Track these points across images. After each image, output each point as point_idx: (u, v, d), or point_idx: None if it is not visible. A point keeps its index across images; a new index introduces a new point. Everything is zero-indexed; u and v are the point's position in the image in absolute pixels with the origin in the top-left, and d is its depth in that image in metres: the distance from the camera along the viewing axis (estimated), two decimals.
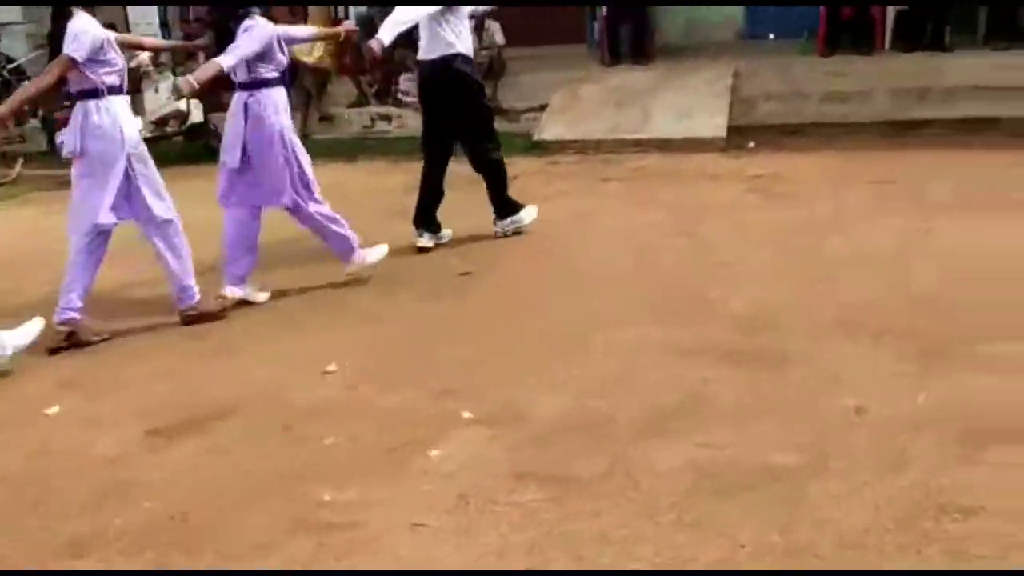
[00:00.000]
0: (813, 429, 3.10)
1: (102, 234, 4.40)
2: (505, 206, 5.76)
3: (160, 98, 9.13)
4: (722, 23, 10.61)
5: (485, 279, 5.05)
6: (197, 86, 4.53)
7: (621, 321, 4.19)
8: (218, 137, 9.58)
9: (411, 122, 9.78)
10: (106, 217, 4.33)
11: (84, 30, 4.20)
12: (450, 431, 3.28)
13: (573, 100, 9.14)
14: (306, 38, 6.04)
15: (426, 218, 5.63)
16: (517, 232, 5.79)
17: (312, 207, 4.86)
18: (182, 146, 9.35)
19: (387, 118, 9.92)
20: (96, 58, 4.25)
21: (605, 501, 2.74)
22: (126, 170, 4.36)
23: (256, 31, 4.62)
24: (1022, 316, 3.90)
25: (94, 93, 4.29)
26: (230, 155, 4.72)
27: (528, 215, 5.82)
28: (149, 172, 4.46)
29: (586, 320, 4.25)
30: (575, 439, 3.16)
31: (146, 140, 8.62)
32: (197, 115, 9.33)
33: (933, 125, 8.27)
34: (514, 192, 5.93)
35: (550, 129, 8.76)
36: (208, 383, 3.87)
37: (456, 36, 5.38)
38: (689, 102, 8.73)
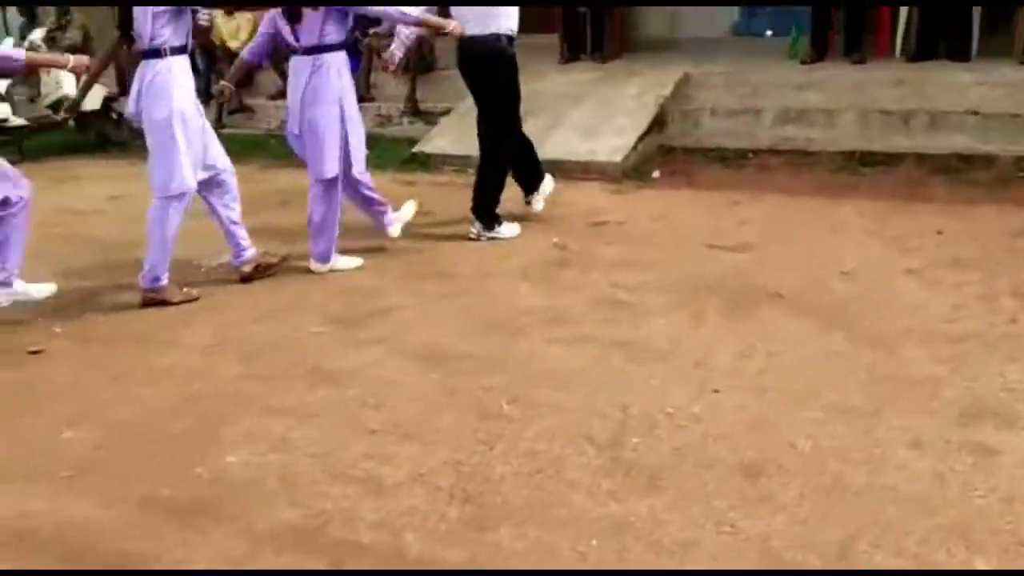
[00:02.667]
0: None
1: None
2: (486, 214, 5.33)
3: (51, 82, 8.50)
4: (713, 16, 8.78)
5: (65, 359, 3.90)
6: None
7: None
8: (120, 126, 9.02)
9: None
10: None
11: None
12: None
13: None
14: None
15: (530, 182, 5.55)
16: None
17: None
18: (70, 135, 8.69)
19: None
20: None
21: None
22: None
23: None
24: None
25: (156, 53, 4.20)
26: (291, 121, 4.71)
27: (510, 230, 5.38)
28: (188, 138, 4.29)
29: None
30: None
31: (32, 128, 7.98)
32: (93, 102, 8.63)
33: (903, 161, 6.37)
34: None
35: (437, 140, 7.42)
36: None
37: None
38: (605, 115, 7.16)
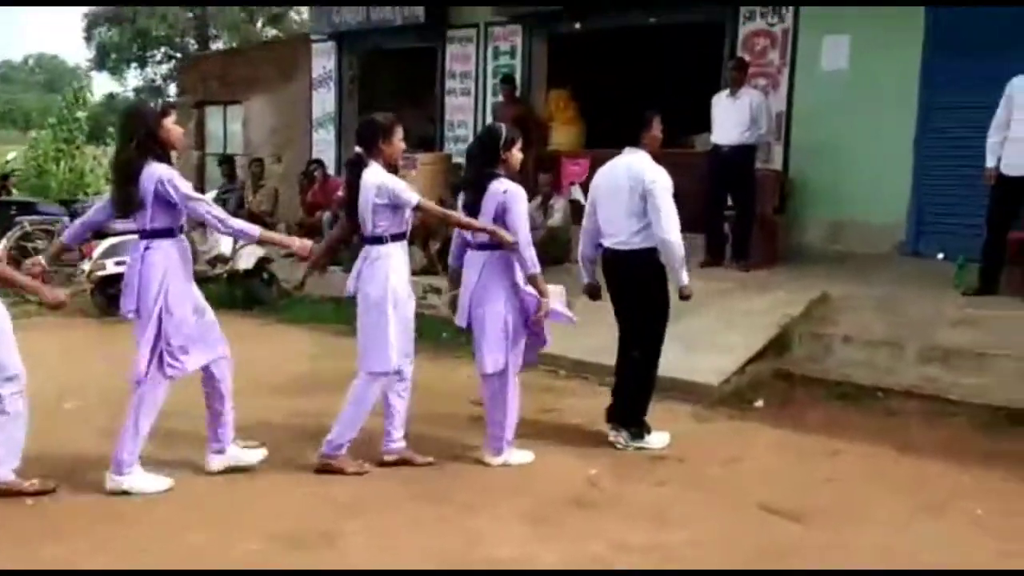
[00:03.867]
0: None
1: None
2: (636, 422, 5.02)
3: (211, 240, 9.02)
4: (879, 231, 7.96)
5: None
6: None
7: None
8: (270, 287, 9.36)
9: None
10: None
11: (387, 182, 4.38)
12: None
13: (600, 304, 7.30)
14: None
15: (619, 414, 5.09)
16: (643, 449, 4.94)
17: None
18: (219, 290, 9.08)
19: (438, 291, 8.79)
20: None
21: None
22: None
23: (520, 200, 4.55)
24: None
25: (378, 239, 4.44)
26: (460, 316, 4.76)
27: (660, 439, 5.04)
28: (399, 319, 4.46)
29: None
30: None
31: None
32: (246, 262, 9.07)
33: None
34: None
35: None
36: None
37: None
38: (719, 329, 6.50)
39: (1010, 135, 6.34)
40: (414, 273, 8.98)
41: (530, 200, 8.77)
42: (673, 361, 6.08)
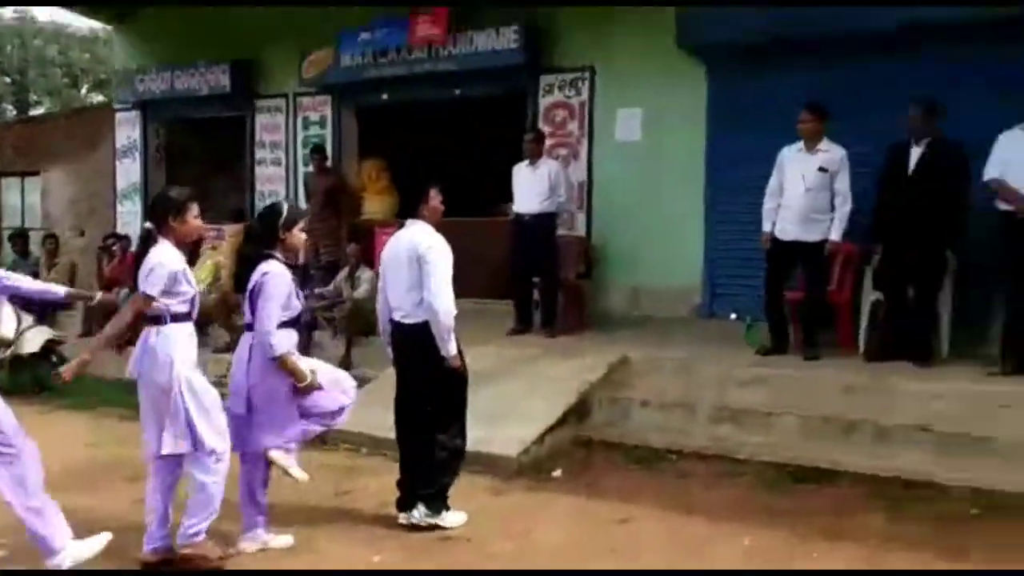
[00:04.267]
0: None
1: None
2: (436, 499, 4.86)
3: None
4: (677, 294, 8.28)
5: None
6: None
7: None
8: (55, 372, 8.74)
9: None
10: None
11: (160, 263, 4.15)
12: None
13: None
14: None
15: (409, 497, 4.90)
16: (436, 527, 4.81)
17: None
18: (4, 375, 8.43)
19: None
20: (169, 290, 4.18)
21: None
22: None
23: (276, 282, 4.39)
24: None
25: (157, 320, 4.20)
26: (234, 400, 4.49)
27: (456, 519, 4.91)
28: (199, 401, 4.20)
29: None
30: None
31: None
32: (31, 345, 8.45)
33: (837, 481, 5.50)
34: None
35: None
36: None
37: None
38: (520, 398, 6.51)
39: (782, 202, 6.75)
40: (219, 350, 8.77)
41: (338, 271, 8.73)
42: (475, 433, 5.99)
